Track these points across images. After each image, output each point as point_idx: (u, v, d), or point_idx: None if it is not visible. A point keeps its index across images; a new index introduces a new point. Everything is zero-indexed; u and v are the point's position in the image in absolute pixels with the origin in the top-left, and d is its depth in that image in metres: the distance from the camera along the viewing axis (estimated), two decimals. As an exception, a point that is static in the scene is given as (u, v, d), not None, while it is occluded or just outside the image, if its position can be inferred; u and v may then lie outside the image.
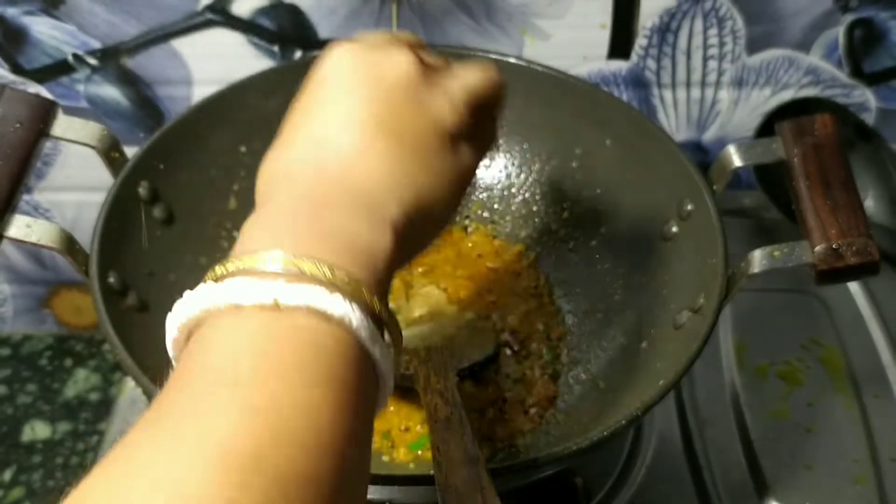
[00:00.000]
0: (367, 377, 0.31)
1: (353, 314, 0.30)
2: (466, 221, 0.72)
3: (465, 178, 0.40)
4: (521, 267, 0.70)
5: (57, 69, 0.79)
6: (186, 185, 0.65)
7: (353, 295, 0.31)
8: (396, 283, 0.67)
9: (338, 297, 0.30)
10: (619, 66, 0.81)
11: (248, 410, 0.27)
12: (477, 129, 0.40)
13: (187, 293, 0.31)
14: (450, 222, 0.40)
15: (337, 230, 0.33)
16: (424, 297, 0.66)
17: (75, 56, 0.78)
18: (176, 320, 0.32)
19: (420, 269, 0.68)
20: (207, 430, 0.26)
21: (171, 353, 0.33)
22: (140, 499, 0.25)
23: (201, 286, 0.31)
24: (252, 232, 0.34)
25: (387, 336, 0.34)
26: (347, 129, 0.36)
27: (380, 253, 0.34)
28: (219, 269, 0.32)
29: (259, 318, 0.30)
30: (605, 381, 0.60)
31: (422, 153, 0.37)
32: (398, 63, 0.38)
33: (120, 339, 0.52)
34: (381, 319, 0.32)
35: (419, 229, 0.37)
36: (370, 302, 0.32)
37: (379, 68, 0.37)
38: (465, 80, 0.40)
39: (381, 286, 0.34)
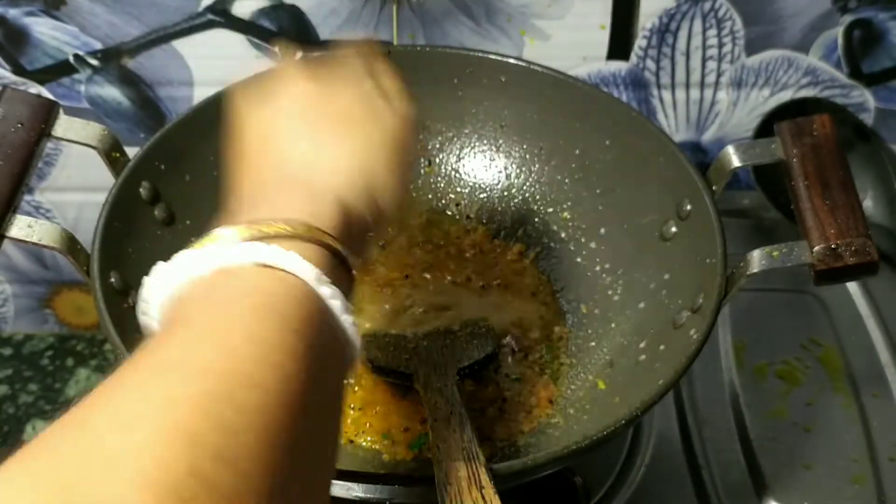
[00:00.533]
0: (312, 307, 0.35)
1: (267, 253, 0.35)
2: (467, 221, 0.73)
3: (393, 132, 0.46)
4: (522, 267, 0.70)
5: (58, 70, 0.79)
6: (187, 186, 0.65)
7: (273, 240, 0.36)
8: (398, 280, 0.67)
9: (257, 245, 0.35)
10: (619, 66, 0.81)
11: (197, 335, 0.32)
12: (381, 89, 0.48)
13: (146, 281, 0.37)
14: (403, 174, 0.46)
15: (281, 209, 0.39)
16: (426, 296, 0.66)
17: (76, 57, 0.78)
18: (153, 303, 0.37)
19: (423, 267, 0.68)
20: (167, 356, 0.31)
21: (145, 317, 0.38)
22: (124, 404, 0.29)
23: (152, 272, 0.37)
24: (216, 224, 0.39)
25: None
26: (276, 142, 0.44)
27: (323, 216, 0.39)
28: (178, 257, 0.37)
29: (203, 280, 0.35)
30: (605, 381, 0.61)
31: (342, 126, 0.45)
32: (288, 81, 0.46)
33: (121, 338, 0.53)
34: (331, 274, 0.37)
35: (370, 187, 0.43)
36: (305, 253, 0.36)
37: (278, 93, 0.46)
38: (346, 61, 0.48)
39: (330, 245, 0.38)
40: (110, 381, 0.30)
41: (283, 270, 0.35)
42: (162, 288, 0.36)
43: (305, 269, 0.35)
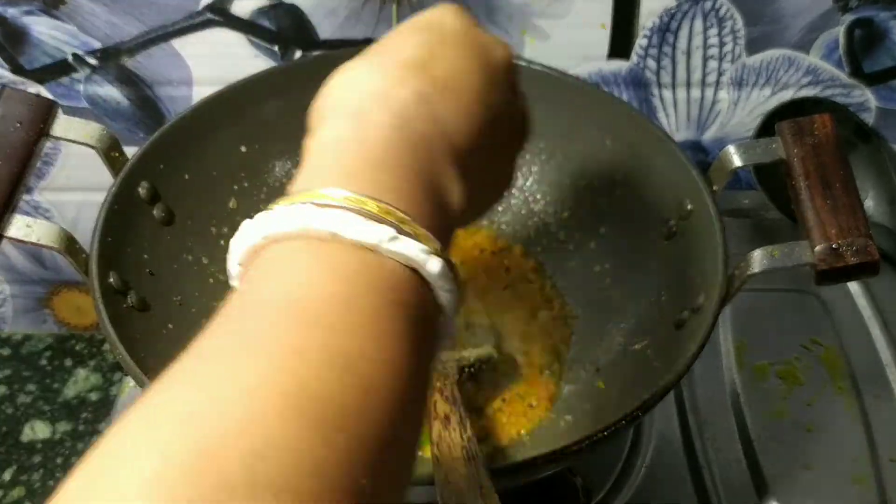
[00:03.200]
0: (434, 327, 0.31)
1: (432, 264, 0.30)
2: (466, 221, 0.73)
3: (512, 124, 0.42)
4: (522, 268, 0.70)
5: (57, 69, 0.79)
6: (187, 185, 0.65)
7: (424, 239, 0.30)
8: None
9: (413, 244, 0.29)
10: (620, 65, 0.81)
11: (330, 357, 0.25)
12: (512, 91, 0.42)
13: (248, 222, 0.31)
14: (510, 177, 0.44)
15: (407, 175, 0.33)
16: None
17: (75, 56, 0.78)
18: (241, 245, 0.31)
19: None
20: (279, 370, 0.24)
21: (234, 283, 0.32)
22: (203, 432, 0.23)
23: (267, 212, 0.30)
24: (313, 165, 0.33)
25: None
26: (401, 80, 0.36)
27: (446, 193, 0.34)
28: (281, 202, 0.30)
29: (335, 253, 0.29)
30: (605, 381, 0.61)
31: (470, 92, 0.37)
32: (450, 15, 0.39)
33: (120, 338, 0.53)
34: (451, 267, 0.32)
35: (480, 177, 0.37)
36: (440, 251, 0.31)
37: (431, 22, 0.39)
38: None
39: (450, 231, 0.34)
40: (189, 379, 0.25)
41: (410, 269, 0.30)
42: (255, 235, 0.30)
43: (441, 276, 0.30)
